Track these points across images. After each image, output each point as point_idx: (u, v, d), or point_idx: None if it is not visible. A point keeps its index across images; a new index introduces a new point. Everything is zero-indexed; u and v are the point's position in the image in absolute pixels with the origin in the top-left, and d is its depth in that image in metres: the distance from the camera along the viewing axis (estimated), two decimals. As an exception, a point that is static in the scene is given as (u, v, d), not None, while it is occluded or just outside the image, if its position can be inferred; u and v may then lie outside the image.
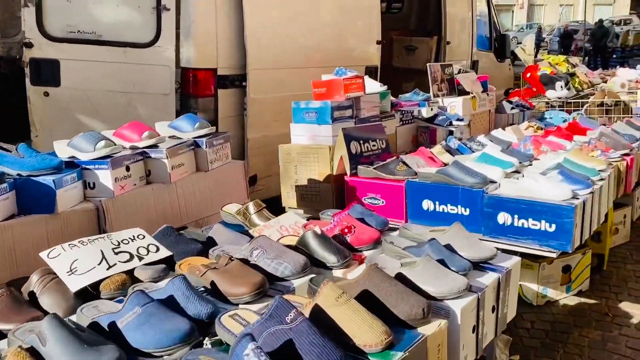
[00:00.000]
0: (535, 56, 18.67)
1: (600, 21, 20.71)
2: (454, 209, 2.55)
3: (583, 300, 3.47)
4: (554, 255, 2.29)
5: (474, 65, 7.00)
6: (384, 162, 2.81)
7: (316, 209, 3.04)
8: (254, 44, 3.79)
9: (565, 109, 4.85)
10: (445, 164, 2.97)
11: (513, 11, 40.03)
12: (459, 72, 4.22)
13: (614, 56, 19.56)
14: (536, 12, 40.09)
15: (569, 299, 3.47)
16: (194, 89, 3.74)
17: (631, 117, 4.29)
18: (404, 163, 2.78)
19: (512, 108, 4.37)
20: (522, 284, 3.42)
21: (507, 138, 3.66)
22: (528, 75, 4.85)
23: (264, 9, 3.90)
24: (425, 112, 3.83)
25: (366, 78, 3.32)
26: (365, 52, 4.95)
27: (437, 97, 3.96)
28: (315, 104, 2.94)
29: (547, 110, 4.82)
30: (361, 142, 2.91)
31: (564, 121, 4.63)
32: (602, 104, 4.56)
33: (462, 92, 4.12)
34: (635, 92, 5.25)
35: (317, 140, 2.96)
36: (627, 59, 19.33)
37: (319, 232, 1.66)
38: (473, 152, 3.28)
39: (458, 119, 3.80)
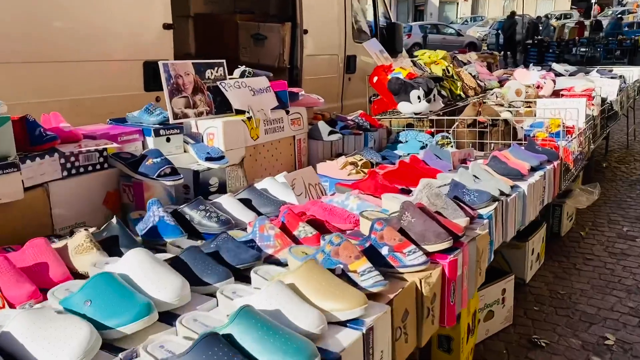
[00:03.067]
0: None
1: (513, 13, 19.96)
2: None
3: None
4: None
5: (350, 61, 5.47)
6: None
7: None
8: None
9: (430, 129, 3.37)
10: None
11: (458, 3, 39.93)
12: (242, 75, 2.64)
13: (550, 50, 18.83)
14: (481, 4, 40.06)
15: None
16: None
17: (510, 145, 2.82)
18: None
19: (332, 132, 2.80)
20: None
21: (285, 194, 2.11)
22: (375, 79, 3.29)
23: None
24: (154, 146, 2.24)
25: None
26: (140, 40, 3.31)
27: (185, 117, 2.36)
28: None
29: (403, 130, 3.32)
30: None
31: (422, 148, 3.15)
32: (474, 124, 3.08)
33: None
34: (532, 104, 3.82)
35: None
36: (563, 54, 18.59)
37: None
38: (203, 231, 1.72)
39: (209, 158, 2.21)
